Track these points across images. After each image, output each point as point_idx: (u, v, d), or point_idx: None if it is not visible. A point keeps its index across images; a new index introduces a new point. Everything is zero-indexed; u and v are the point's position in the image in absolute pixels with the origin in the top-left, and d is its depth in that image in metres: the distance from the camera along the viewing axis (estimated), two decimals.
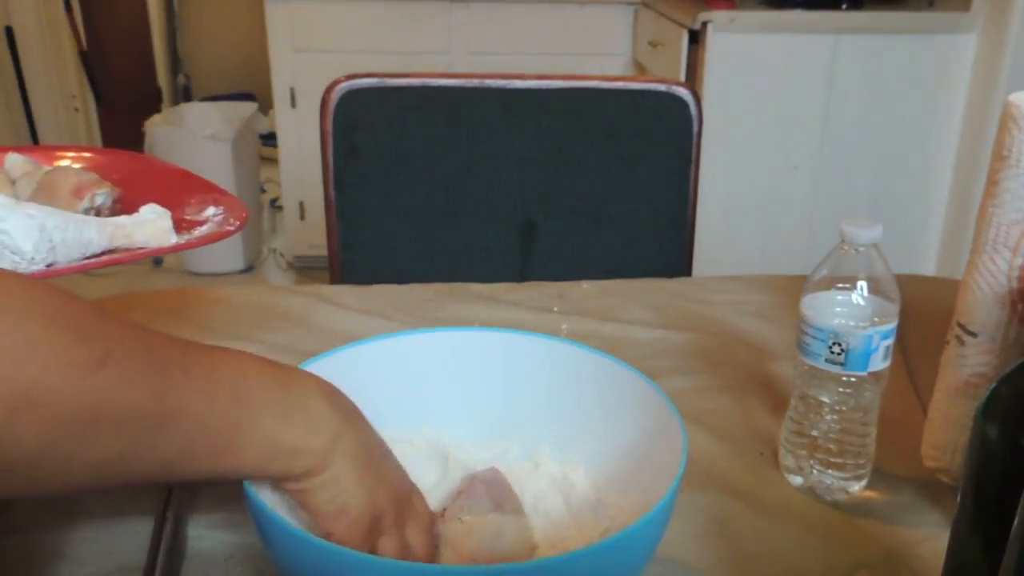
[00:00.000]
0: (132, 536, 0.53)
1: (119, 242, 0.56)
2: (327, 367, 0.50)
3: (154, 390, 0.37)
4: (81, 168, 0.66)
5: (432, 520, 0.50)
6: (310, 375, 0.46)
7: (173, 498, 0.55)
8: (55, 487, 0.37)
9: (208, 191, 0.63)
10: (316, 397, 0.44)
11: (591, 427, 0.55)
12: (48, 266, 0.51)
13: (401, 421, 0.56)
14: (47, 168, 0.64)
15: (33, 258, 0.50)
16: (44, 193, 0.60)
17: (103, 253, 0.55)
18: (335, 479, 0.44)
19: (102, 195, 0.61)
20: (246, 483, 0.43)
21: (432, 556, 0.48)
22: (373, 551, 0.45)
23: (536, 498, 0.53)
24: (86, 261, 0.54)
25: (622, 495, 0.52)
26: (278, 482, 0.44)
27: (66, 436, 0.34)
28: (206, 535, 0.54)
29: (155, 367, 0.37)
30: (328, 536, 0.44)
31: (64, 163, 0.68)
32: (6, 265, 0.50)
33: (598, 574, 0.42)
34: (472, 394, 0.57)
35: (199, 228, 0.59)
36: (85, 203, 0.60)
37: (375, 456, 0.46)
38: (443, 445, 0.56)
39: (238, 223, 0.58)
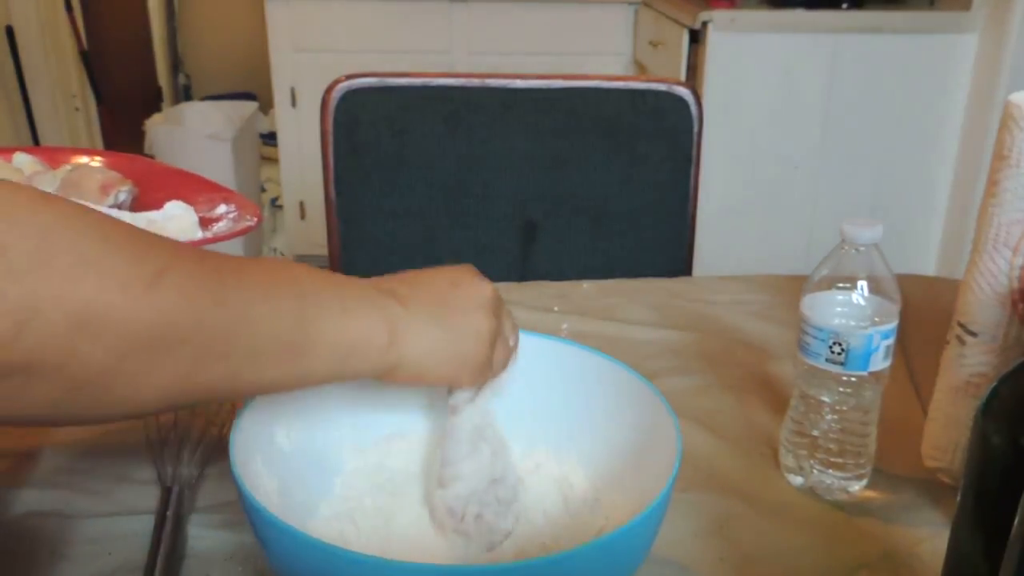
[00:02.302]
0: (132, 536, 0.53)
1: None
2: None
3: (214, 300, 0.37)
4: (102, 167, 0.68)
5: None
6: (356, 279, 0.46)
7: (173, 498, 0.55)
8: (129, 408, 0.36)
9: (214, 190, 0.65)
10: (369, 288, 0.45)
11: (588, 426, 0.55)
12: None
13: (399, 420, 0.56)
14: (67, 168, 0.66)
15: None
16: (70, 190, 0.61)
17: None
18: (422, 355, 0.45)
19: (124, 192, 0.63)
20: (240, 481, 0.43)
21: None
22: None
23: (536, 498, 0.53)
24: None
25: (619, 494, 0.52)
26: (376, 378, 0.45)
27: (132, 353, 0.34)
28: (206, 535, 0.54)
29: (212, 278, 0.37)
30: (464, 388, 0.48)
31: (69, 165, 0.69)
32: None
33: (593, 572, 0.42)
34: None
35: (217, 224, 0.61)
36: (110, 200, 0.61)
37: (447, 300, 0.47)
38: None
39: (255, 219, 0.60)
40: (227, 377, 0.38)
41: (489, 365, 0.49)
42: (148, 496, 0.56)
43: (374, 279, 0.47)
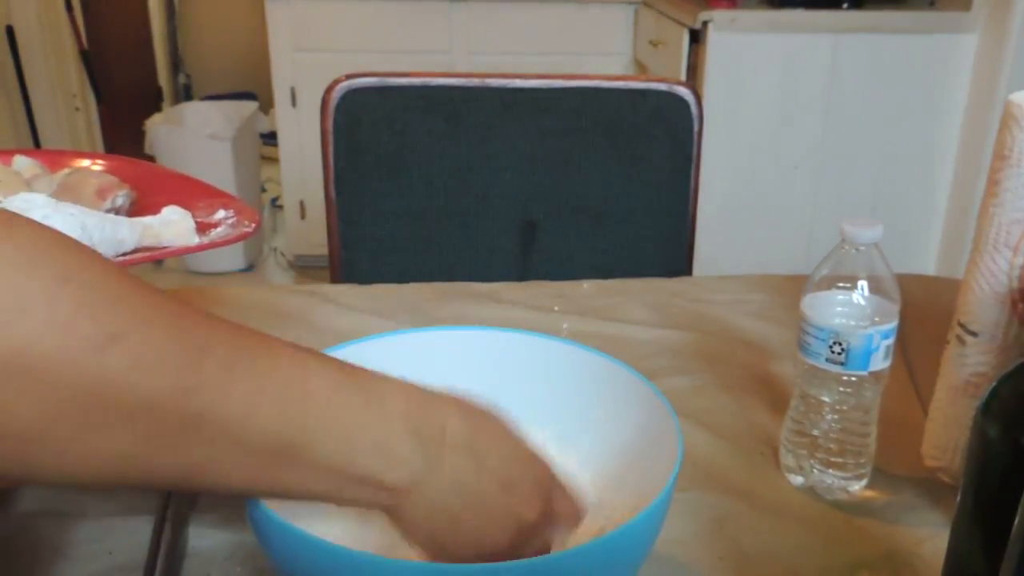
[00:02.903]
0: (132, 536, 0.53)
1: (147, 241, 0.57)
2: None
3: (178, 385, 0.32)
4: (100, 171, 0.68)
5: (576, 509, 0.45)
6: (398, 386, 0.39)
7: (173, 498, 0.55)
8: (58, 476, 0.33)
9: (214, 195, 0.65)
10: (399, 427, 0.38)
11: (588, 426, 0.55)
12: None
13: None
14: (64, 171, 0.66)
15: None
16: (67, 193, 0.61)
17: (133, 251, 0.56)
18: (418, 513, 0.39)
19: (122, 197, 0.62)
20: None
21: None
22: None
23: None
24: (120, 258, 0.55)
25: (619, 494, 0.52)
26: (383, 510, 0.39)
27: (67, 416, 0.30)
28: (206, 535, 0.54)
29: (185, 359, 0.33)
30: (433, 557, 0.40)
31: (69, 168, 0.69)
32: None
33: (593, 572, 0.42)
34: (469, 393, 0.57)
35: (215, 230, 0.60)
36: (108, 204, 0.61)
37: (481, 491, 0.40)
38: None
39: (253, 224, 0.59)
40: (181, 471, 0.34)
41: (504, 559, 0.41)
42: (149, 496, 0.56)
43: (436, 399, 0.40)
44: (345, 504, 0.39)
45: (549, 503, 0.43)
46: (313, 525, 0.49)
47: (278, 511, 0.42)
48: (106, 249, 0.54)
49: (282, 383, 0.36)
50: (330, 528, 0.50)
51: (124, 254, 0.56)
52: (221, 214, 0.62)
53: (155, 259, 0.57)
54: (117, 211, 0.62)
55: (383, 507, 0.39)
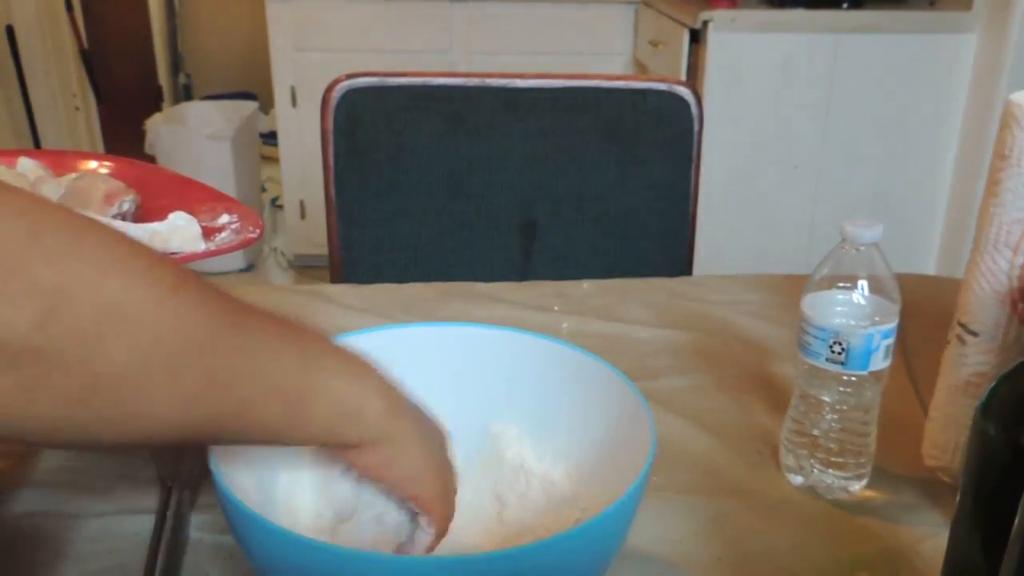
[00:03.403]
0: (132, 535, 0.53)
1: (155, 247, 0.57)
2: None
3: (225, 321, 0.37)
4: (107, 176, 0.68)
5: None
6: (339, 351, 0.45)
7: (173, 497, 0.55)
8: (136, 427, 0.35)
9: (216, 199, 0.65)
10: (374, 371, 0.44)
11: (563, 419, 0.55)
12: None
13: None
14: (71, 176, 0.66)
15: None
16: (75, 199, 0.61)
17: None
18: (403, 443, 0.43)
19: (128, 202, 0.63)
20: (218, 476, 0.42)
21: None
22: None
23: (517, 494, 0.53)
24: None
25: (594, 486, 0.52)
26: (346, 455, 0.43)
27: (151, 358, 0.34)
28: (206, 534, 0.54)
29: (224, 302, 0.37)
30: (417, 503, 0.44)
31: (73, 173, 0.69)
32: None
33: (569, 561, 0.42)
34: (445, 390, 0.57)
35: (219, 235, 0.61)
36: (114, 209, 0.61)
37: (429, 427, 0.46)
38: None
39: (258, 231, 0.60)
40: (230, 409, 0.38)
41: (447, 503, 0.47)
42: (149, 495, 0.56)
43: (379, 367, 0.46)
44: (345, 440, 0.42)
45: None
46: (293, 520, 0.49)
47: (257, 507, 0.42)
48: None
49: (291, 329, 0.41)
50: (311, 521, 0.50)
51: None
52: (225, 219, 0.62)
53: None
54: (123, 216, 0.62)
55: (363, 439, 0.42)
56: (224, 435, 0.40)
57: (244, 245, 0.59)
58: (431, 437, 0.46)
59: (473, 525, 0.52)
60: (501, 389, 0.56)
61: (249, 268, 2.75)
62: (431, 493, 0.45)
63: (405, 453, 0.44)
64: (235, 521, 0.42)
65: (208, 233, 0.61)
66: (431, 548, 0.46)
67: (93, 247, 0.33)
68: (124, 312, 0.33)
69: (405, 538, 0.46)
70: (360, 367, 0.43)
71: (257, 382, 0.38)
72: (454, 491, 0.47)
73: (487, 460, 0.55)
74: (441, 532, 0.46)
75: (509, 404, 0.57)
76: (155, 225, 0.59)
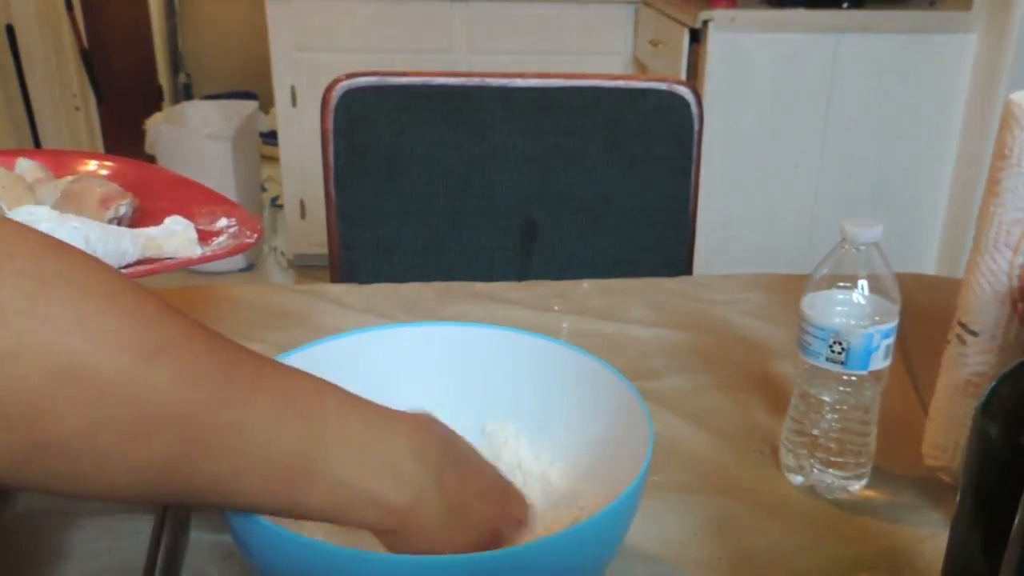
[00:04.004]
0: (132, 535, 0.53)
1: (150, 252, 0.57)
2: (305, 360, 0.50)
3: (213, 396, 0.34)
4: (104, 178, 0.67)
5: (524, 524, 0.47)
6: (405, 418, 0.42)
7: None
8: (94, 486, 0.34)
9: (217, 202, 0.64)
10: (405, 448, 0.40)
11: (561, 418, 0.55)
12: None
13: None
14: (68, 179, 0.65)
15: None
16: (71, 202, 0.61)
17: (135, 263, 0.56)
18: (418, 530, 0.41)
19: (125, 206, 0.62)
20: None
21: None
22: None
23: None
24: (123, 271, 0.55)
25: (592, 485, 0.52)
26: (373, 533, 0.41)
27: (112, 425, 0.32)
28: (206, 535, 0.54)
29: (219, 373, 0.35)
30: None
31: (71, 174, 0.69)
32: None
33: (567, 561, 0.42)
34: (441, 389, 0.57)
35: (217, 239, 0.60)
36: (110, 213, 0.61)
37: (464, 503, 0.43)
38: None
39: (255, 235, 0.59)
40: (210, 482, 0.36)
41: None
42: None
43: (439, 432, 0.43)
44: (351, 524, 0.40)
45: (507, 504, 0.46)
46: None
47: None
48: (109, 261, 0.54)
49: (303, 399, 0.38)
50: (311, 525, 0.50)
51: (127, 266, 0.56)
52: (223, 222, 0.62)
53: (157, 271, 0.57)
54: (120, 220, 0.62)
55: (385, 528, 0.41)
56: (207, 502, 0.37)
57: (240, 250, 0.58)
58: (466, 510, 0.42)
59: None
60: (499, 388, 0.57)
61: (249, 268, 2.75)
62: None
63: (430, 542, 0.41)
64: (235, 521, 0.42)
65: (206, 237, 0.60)
66: None
67: (61, 305, 0.31)
68: (79, 376, 0.31)
69: None
70: (383, 453, 0.39)
71: (245, 459, 0.36)
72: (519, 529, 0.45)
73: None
74: None
75: (507, 403, 0.57)
76: (150, 230, 0.59)
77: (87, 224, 0.54)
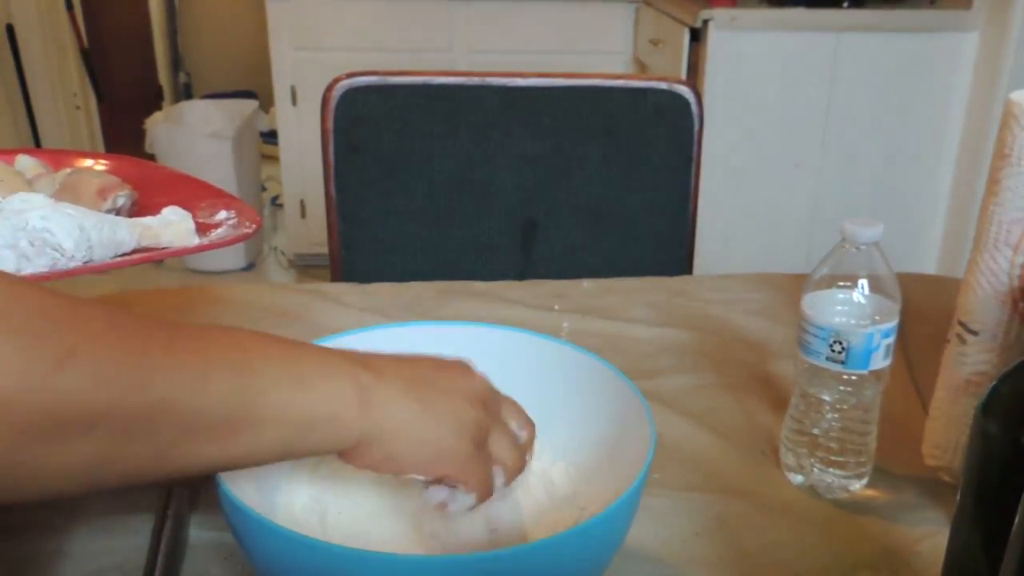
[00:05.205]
0: (133, 534, 0.53)
1: (147, 242, 0.57)
2: None
3: (131, 384, 0.34)
4: (102, 171, 0.67)
5: (516, 407, 0.47)
6: (318, 346, 0.42)
7: (174, 497, 0.55)
8: (40, 491, 0.34)
9: (216, 196, 0.65)
10: (332, 356, 0.41)
11: (563, 419, 0.55)
12: (85, 263, 0.53)
13: None
14: (66, 171, 0.65)
15: (73, 255, 0.52)
16: (68, 193, 0.61)
17: (132, 252, 0.56)
18: (395, 431, 0.40)
19: (123, 197, 0.62)
20: (219, 476, 0.42)
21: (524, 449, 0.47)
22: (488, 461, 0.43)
23: (516, 492, 0.53)
24: (119, 259, 0.55)
25: (595, 485, 0.52)
26: (342, 459, 0.41)
27: (28, 442, 0.32)
28: (206, 534, 0.54)
29: (133, 357, 0.34)
30: (444, 479, 0.42)
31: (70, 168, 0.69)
32: (46, 262, 0.51)
33: (568, 560, 0.42)
34: None
35: (215, 231, 0.60)
36: (108, 204, 0.61)
37: (428, 379, 0.43)
38: None
39: (254, 226, 0.59)
40: (153, 457, 0.36)
41: (476, 463, 0.43)
42: (149, 494, 0.56)
43: (346, 350, 0.43)
44: (314, 453, 0.41)
45: (498, 409, 0.46)
46: (289, 517, 0.49)
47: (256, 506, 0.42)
48: (105, 250, 0.54)
49: (221, 351, 0.38)
50: (307, 519, 0.50)
51: (123, 255, 0.56)
52: (223, 215, 0.62)
53: (154, 259, 0.57)
54: (118, 211, 0.62)
55: (350, 444, 0.40)
56: (153, 478, 0.37)
57: (238, 240, 0.58)
58: (433, 403, 0.42)
59: (472, 524, 0.52)
60: (499, 387, 0.57)
61: (249, 267, 2.75)
62: (454, 466, 0.42)
63: (403, 441, 0.41)
64: (235, 520, 0.42)
65: (205, 229, 0.60)
66: (475, 507, 0.44)
67: None
68: None
69: (447, 495, 0.44)
70: (320, 369, 0.40)
71: (176, 429, 0.35)
72: (499, 446, 0.44)
73: None
74: (483, 492, 0.44)
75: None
76: (147, 220, 0.59)
77: (82, 212, 0.54)
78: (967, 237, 1.99)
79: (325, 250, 1.13)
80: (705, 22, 1.94)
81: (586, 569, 0.45)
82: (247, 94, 3.35)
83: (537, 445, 0.56)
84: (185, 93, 3.58)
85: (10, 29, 2.73)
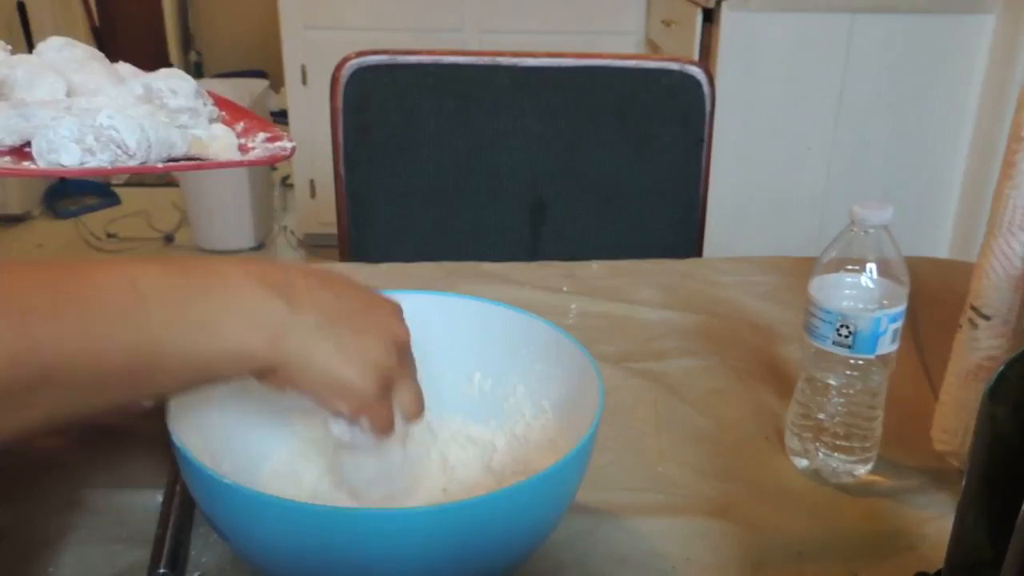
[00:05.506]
0: (142, 509, 0.54)
1: (195, 151, 0.60)
2: None
3: (17, 355, 0.32)
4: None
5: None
6: (230, 264, 0.40)
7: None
8: None
9: (257, 121, 0.68)
10: (245, 288, 0.39)
11: (513, 387, 0.56)
12: (142, 163, 0.56)
13: None
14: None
15: (134, 153, 0.55)
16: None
17: (183, 159, 0.60)
18: (302, 365, 0.40)
19: (211, 102, 0.66)
20: (174, 438, 0.42)
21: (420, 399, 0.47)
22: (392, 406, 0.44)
23: (460, 463, 0.54)
24: (171, 164, 0.58)
25: (546, 454, 0.52)
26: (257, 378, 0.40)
27: None
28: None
29: (12, 327, 0.32)
30: (344, 415, 0.42)
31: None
32: (108, 157, 0.54)
33: (501, 519, 0.42)
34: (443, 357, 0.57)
35: (252, 152, 0.63)
36: (203, 101, 0.65)
37: (348, 316, 0.42)
38: None
39: (290, 146, 0.63)
40: (47, 417, 0.35)
41: (378, 405, 0.43)
42: (160, 470, 0.57)
43: (278, 266, 0.41)
44: (226, 380, 0.40)
45: (409, 363, 0.46)
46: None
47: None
48: (161, 150, 0.57)
49: (109, 298, 0.35)
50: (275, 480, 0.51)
51: (172, 159, 0.59)
52: (260, 137, 0.65)
53: (200, 168, 0.60)
54: (209, 118, 0.65)
55: (266, 369, 0.40)
56: (61, 422, 0.36)
57: (277, 160, 0.61)
58: (347, 342, 0.41)
59: (467, 467, 0.54)
60: (443, 359, 0.56)
61: (259, 246, 2.75)
62: (353, 404, 0.42)
63: (308, 374, 0.40)
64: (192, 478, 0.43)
65: (244, 149, 0.64)
66: (376, 446, 0.44)
67: None
68: None
69: (347, 430, 0.44)
70: (222, 303, 0.38)
71: (77, 387, 0.34)
72: (405, 396, 0.45)
73: (436, 431, 0.56)
74: (382, 432, 0.44)
75: (454, 375, 0.58)
76: (197, 131, 0.62)
77: (142, 114, 0.57)
78: (980, 221, 1.98)
79: (334, 230, 1.13)
80: (718, 2, 1.92)
81: (534, 524, 0.45)
82: (258, 73, 3.35)
83: (485, 415, 0.56)
84: (196, 72, 3.58)
85: (21, 7, 2.73)
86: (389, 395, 0.44)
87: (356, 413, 0.43)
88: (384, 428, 0.44)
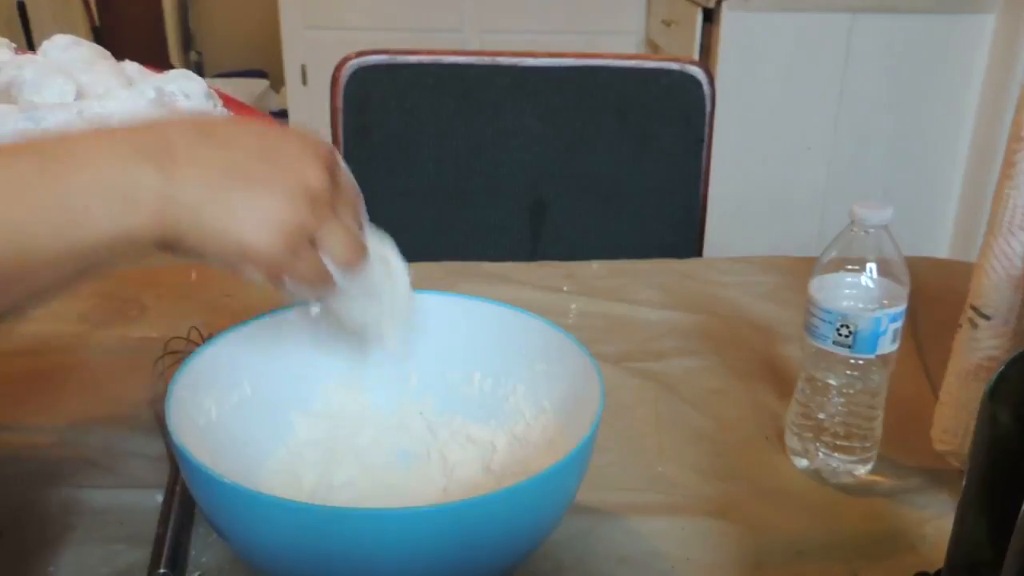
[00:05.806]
0: (142, 508, 0.54)
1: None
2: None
3: None
4: None
5: (354, 189, 0.43)
6: (89, 136, 0.36)
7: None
8: None
9: (259, 118, 0.68)
10: (115, 159, 0.35)
11: (513, 388, 0.56)
12: None
13: (338, 388, 0.56)
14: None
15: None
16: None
17: None
18: (197, 238, 0.36)
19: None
20: (175, 439, 0.42)
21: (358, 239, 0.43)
22: (317, 258, 0.40)
23: (458, 465, 0.54)
24: None
25: (546, 455, 0.52)
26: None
27: None
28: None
29: None
30: (254, 279, 0.38)
31: None
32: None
33: (501, 520, 0.42)
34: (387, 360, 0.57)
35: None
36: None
37: (245, 169, 0.37)
38: (361, 412, 0.57)
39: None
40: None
41: (293, 262, 0.39)
42: (159, 471, 0.57)
43: (152, 124, 0.37)
44: (130, 263, 0.37)
45: (330, 203, 0.41)
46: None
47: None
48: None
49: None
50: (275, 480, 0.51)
51: None
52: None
53: None
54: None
55: (158, 245, 0.36)
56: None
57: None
58: (241, 203, 0.37)
59: (467, 467, 0.54)
60: (442, 360, 0.58)
61: None
62: (261, 265, 0.38)
63: (206, 244, 0.36)
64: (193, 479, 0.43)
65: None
66: (315, 296, 0.41)
67: None
68: None
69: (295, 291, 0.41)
70: (90, 186, 0.34)
71: None
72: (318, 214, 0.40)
73: (437, 431, 0.56)
74: (311, 284, 0.40)
75: (453, 376, 0.58)
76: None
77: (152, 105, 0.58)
78: (980, 221, 1.97)
79: None
80: (718, 2, 1.92)
81: (533, 524, 0.45)
82: (258, 73, 3.34)
83: (485, 416, 0.56)
84: (196, 71, 3.57)
85: (21, 7, 2.73)
86: (308, 247, 0.40)
87: (271, 276, 0.39)
88: (315, 282, 0.40)
